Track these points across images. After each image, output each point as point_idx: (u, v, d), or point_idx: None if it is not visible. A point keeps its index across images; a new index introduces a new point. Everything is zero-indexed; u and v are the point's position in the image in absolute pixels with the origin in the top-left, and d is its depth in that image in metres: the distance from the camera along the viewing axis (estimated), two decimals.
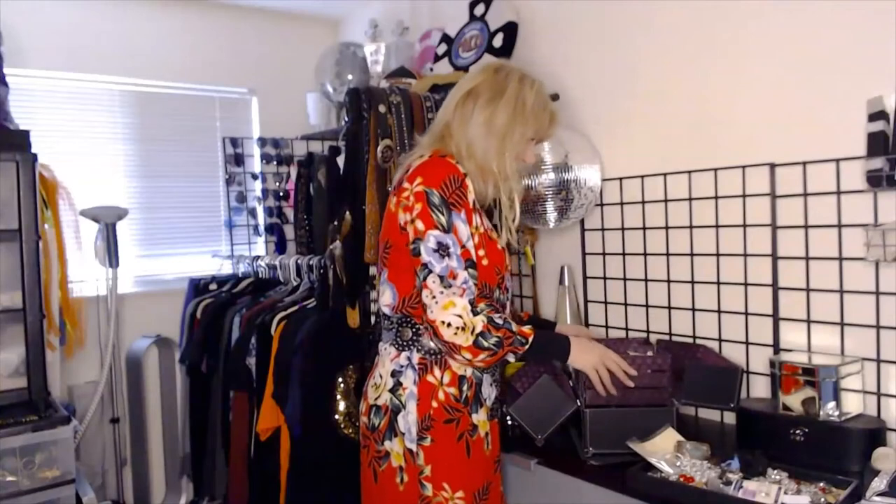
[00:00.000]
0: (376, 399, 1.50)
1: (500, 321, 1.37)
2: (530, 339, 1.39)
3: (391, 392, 1.47)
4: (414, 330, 1.47)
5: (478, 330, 1.34)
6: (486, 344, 1.35)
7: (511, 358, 1.41)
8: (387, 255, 1.50)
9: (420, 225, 1.39)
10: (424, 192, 1.39)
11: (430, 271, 1.37)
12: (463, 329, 1.34)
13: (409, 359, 1.47)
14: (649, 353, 1.59)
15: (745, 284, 1.77)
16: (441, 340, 1.36)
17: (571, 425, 1.71)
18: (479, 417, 1.49)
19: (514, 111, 1.47)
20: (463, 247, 1.39)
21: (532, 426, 1.63)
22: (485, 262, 1.44)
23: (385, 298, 1.50)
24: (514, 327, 1.39)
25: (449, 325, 1.34)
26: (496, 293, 1.49)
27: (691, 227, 1.88)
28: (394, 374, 1.48)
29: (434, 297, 1.35)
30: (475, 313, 1.35)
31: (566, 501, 1.62)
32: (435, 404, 1.44)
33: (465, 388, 1.47)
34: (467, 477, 1.46)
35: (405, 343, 1.48)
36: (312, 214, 2.63)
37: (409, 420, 1.44)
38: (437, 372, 1.45)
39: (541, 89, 1.53)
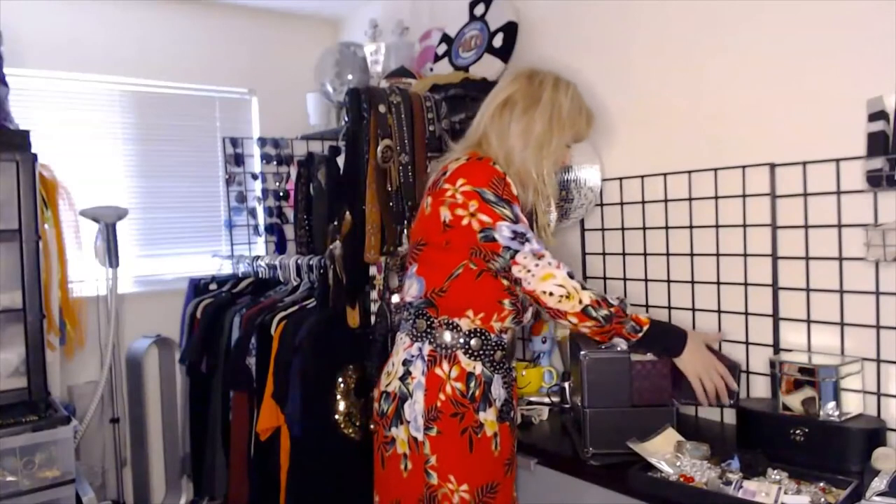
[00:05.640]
0: (387, 385, 1.54)
1: (614, 301, 1.42)
2: (645, 328, 1.43)
3: (401, 380, 1.50)
4: (428, 322, 1.50)
5: (585, 302, 1.39)
6: (594, 314, 1.40)
7: (622, 344, 1.46)
8: (418, 252, 1.53)
9: (485, 217, 1.42)
10: (476, 192, 1.42)
11: (517, 251, 1.41)
12: (568, 297, 1.38)
13: (420, 349, 1.50)
14: (649, 357, 1.59)
15: (745, 284, 1.77)
16: (545, 307, 1.41)
17: (571, 425, 1.71)
18: (487, 417, 1.49)
19: (551, 119, 1.51)
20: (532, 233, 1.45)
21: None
22: None
23: (412, 291, 1.54)
24: (630, 312, 1.43)
25: (551, 294, 1.38)
26: None
27: (691, 227, 1.88)
28: (405, 363, 1.51)
29: (529, 271, 1.39)
30: (583, 287, 1.40)
31: (566, 501, 1.63)
32: (442, 397, 1.46)
33: (472, 384, 1.48)
34: (470, 471, 1.47)
35: (419, 334, 1.51)
36: (312, 214, 2.63)
37: (415, 409, 1.47)
38: (445, 366, 1.47)
39: (575, 93, 1.56)
